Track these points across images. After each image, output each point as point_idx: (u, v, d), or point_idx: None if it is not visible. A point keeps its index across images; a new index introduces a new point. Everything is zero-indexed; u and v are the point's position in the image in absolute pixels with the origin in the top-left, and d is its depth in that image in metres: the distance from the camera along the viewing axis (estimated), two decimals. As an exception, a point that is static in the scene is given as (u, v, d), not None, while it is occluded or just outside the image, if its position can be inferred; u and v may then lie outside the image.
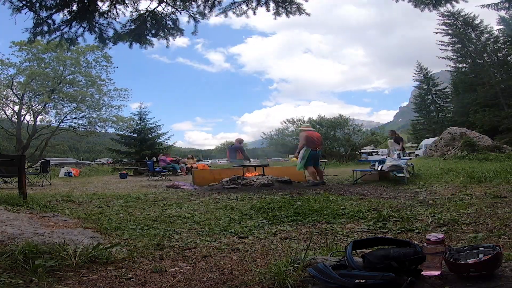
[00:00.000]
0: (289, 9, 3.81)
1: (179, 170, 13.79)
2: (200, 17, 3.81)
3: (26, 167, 6.08)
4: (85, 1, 3.36)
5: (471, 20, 28.69)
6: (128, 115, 23.40)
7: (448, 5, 3.92)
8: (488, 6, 16.85)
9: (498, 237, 2.13)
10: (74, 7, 3.41)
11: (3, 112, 21.30)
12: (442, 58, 31.35)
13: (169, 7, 3.76)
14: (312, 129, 7.77)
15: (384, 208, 3.41)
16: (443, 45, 31.17)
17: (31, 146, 22.22)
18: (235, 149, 9.17)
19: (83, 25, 3.53)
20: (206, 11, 3.77)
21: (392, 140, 9.65)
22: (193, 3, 3.72)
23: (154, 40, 3.97)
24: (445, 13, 28.71)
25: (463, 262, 1.21)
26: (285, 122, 34.19)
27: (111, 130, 23.94)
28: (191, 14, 3.80)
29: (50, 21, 3.44)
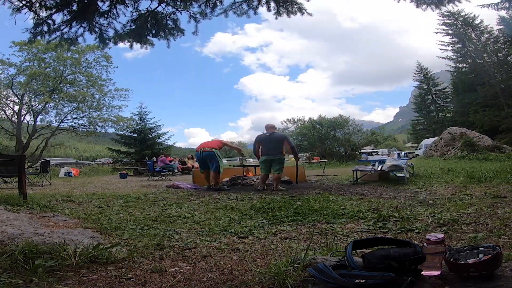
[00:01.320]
0: (290, 9, 3.80)
1: (176, 170, 13.86)
2: (201, 17, 3.81)
3: (26, 167, 6.08)
4: (85, 1, 3.36)
5: (471, 20, 28.70)
6: (128, 115, 23.40)
7: (450, 5, 3.91)
8: (488, 6, 16.86)
9: (498, 237, 2.14)
10: (74, 7, 3.41)
11: (3, 112, 21.30)
12: (442, 58, 31.40)
13: (170, 7, 3.76)
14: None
15: (384, 208, 3.41)
16: (443, 45, 31.21)
17: (31, 146, 22.21)
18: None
19: (83, 25, 3.53)
20: (207, 11, 3.76)
21: None
22: (194, 3, 3.72)
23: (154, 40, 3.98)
24: (445, 13, 28.73)
25: (463, 262, 1.21)
26: (285, 122, 34.20)
27: (111, 130, 23.94)
28: (192, 14, 3.80)
29: (50, 21, 3.44)
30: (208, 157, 6.61)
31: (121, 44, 3.84)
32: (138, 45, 3.89)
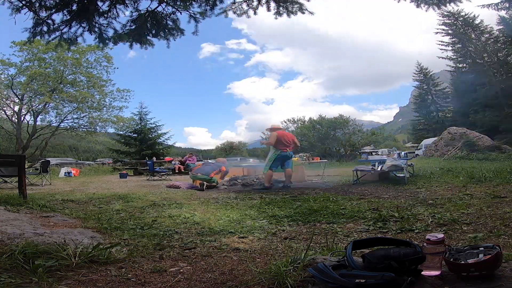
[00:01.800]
0: (290, 9, 3.80)
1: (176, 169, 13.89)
2: (200, 17, 3.81)
3: (26, 167, 6.08)
4: (85, 1, 3.36)
5: (471, 20, 28.67)
6: (128, 116, 23.41)
7: (451, 5, 3.91)
8: (488, 6, 16.87)
9: (498, 237, 2.14)
10: (74, 7, 3.40)
11: (3, 112, 21.29)
12: (442, 58, 31.38)
13: (169, 7, 3.76)
14: (282, 128, 7.26)
15: (384, 208, 3.41)
16: (443, 45, 31.20)
17: (31, 146, 22.21)
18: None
19: (82, 25, 3.53)
20: (207, 11, 3.76)
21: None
22: (193, 3, 3.72)
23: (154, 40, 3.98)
24: (445, 13, 28.69)
25: (463, 262, 1.21)
26: (285, 122, 34.23)
27: (111, 130, 23.95)
28: (192, 14, 3.80)
29: (49, 21, 3.44)
30: (290, 157, 6.77)
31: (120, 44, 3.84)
32: (138, 45, 3.89)
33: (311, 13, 3.81)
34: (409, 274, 1.15)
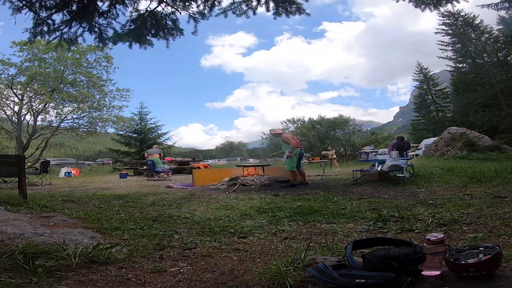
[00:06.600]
0: (289, 9, 3.81)
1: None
2: (200, 17, 3.82)
3: (26, 167, 6.08)
4: (85, 1, 3.36)
5: (471, 20, 28.66)
6: (128, 116, 23.38)
7: (449, 5, 3.93)
8: (488, 6, 16.84)
9: (498, 237, 2.14)
10: (74, 7, 3.41)
11: (3, 112, 21.26)
12: (442, 58, 31.38)
13: (169, 7, 3.76)
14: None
15: (384, 208, 3.41)
16: (443, 45, 31.19)
17: (31, 146, 22.18)
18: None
19: (82, 25, 3.54)
20: (206, 11, 3.77)
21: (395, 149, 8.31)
22: (192, 3, 3.73)
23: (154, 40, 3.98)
24: (445, 13, 28.70)
25: (463, 262, 1.21)
26: (285, 122, 34.25)
27: (111, 130, 23.92)
28: (191, 14, 3.81)
29: (50, 21, 3.45)
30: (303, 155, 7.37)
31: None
32: (138, 45, 3.90)
33: (308, 14, 3.82)
34: (409, 274, 1.15)
